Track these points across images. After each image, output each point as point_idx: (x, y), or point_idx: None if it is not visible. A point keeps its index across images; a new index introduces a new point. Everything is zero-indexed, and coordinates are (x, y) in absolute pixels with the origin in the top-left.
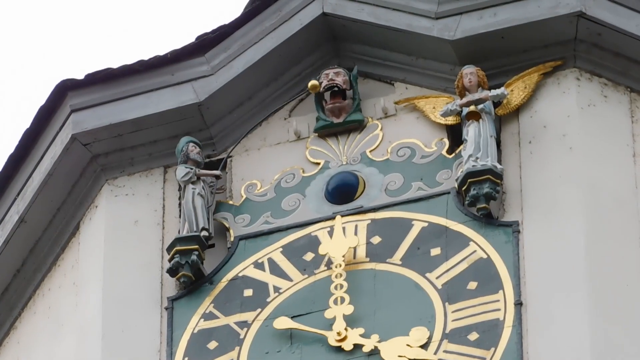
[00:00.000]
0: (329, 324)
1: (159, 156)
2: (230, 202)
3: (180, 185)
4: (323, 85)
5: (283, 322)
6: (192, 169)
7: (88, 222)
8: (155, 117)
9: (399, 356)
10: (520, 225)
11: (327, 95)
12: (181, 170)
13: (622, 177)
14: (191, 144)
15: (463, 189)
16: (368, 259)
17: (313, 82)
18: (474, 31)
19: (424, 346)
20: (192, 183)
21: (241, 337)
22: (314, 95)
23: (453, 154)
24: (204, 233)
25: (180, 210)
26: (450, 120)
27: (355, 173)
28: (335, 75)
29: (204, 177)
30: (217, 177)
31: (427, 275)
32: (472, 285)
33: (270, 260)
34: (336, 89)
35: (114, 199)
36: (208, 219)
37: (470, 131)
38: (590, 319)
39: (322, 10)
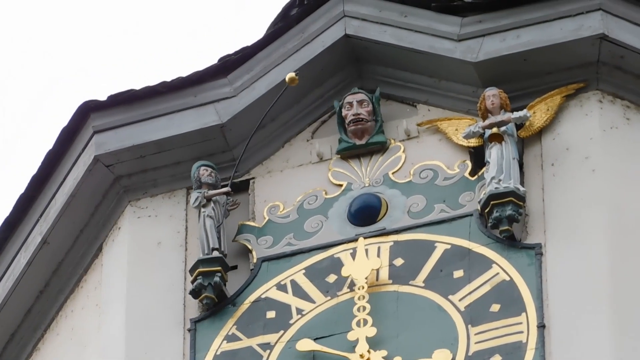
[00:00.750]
0: (352, 346)
1: (181, 177)
2: (253, 224)
3: None
4: (348, 119)
5: (306, 344)
6: (200, 193)
7: (111, 243)
8: (177, 138)
9: None
10: (543, 247)
11: (349, 116)
12: (193, 197)
13: None
14: (202, 168)
15: (486, 211)
16: (391, 281)
17: (290, 74)
18: (497, 53)
19: None
20: (203, 206)
21: (264, 359)
22: (337, 117)
23: (476, 176)
24: (216, 253)
25: None
26: (473, 142)
27: (377, 195)
28: (359, 106)
29: (216, 198)
30: (227, 194)
31: (450, 297)
32: (495, 307)
33: (293, 282)
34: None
35: (137, 221)
36: (219, 237)
37: (493, 153)
38: (613, 341)
39: (345, 32)
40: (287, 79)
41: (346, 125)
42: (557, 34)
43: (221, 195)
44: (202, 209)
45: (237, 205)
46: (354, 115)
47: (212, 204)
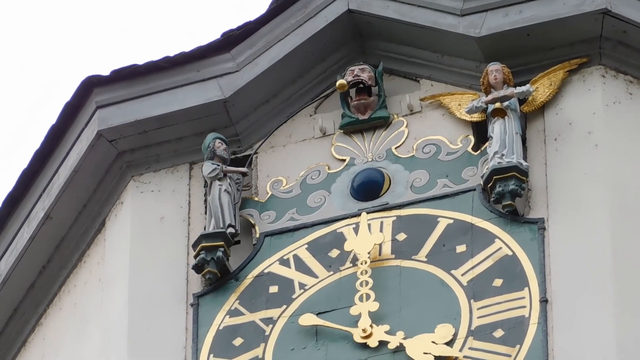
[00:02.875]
0: (355, 321)
1: (184, 153)
2: (256, 199)
3: (206, 182)
4: (348, 81)
5: (308, 319)
6: (218, 165)
7: (114, 218)
8: (180, 113)
9: (424, 353)
10: (546, 222)
11: (352, 92)
12: (208, 167)
13: None
14: (218, 141)
15: (489, 186)
16: (393, 256)
17: (341, 81)
18: (500, 28)
19: (449, 343)
20: (219, 180)
21: (266, 333)
22: (340, 92)
23: (478, 151)
24: (230, 230)
25: (205, 207)
26: (476, 117)
27: (380, 170)
28: (361, 72)
29: (230, 174)
30: (244, 174)
31: (453, 272)
32: (498, 282)
33: (296, 257)
34: (362, 85)
35: (140, 196)
36: (234, 215)
37: (496, 128)
38: (615, 316)
39: (348, 7)
40: (337, 85)
41: (349, 100)
42: (560, 8)
43: (237, 173)
44: (218, 183)
45: (250, 187)
46: (353, 77)
47: (228, 180)
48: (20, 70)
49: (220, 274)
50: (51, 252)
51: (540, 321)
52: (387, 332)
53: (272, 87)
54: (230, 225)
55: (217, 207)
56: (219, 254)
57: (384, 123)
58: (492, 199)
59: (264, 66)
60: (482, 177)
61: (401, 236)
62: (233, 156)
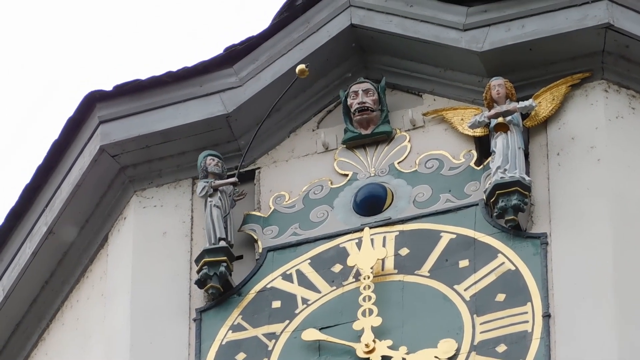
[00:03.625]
0: (357, 336)
1: (187, 168)
2: (259, 214)
3: None
4: (353, 107)
5: (311, 334)
6: (207, 182)
7: (116, 233)
8: (183, 128)
9: None
10: (549, 237)
11: (355, 106)
12: (199, 186)
13: None
14: (209, 157)
15: (491, 200)
16: (396, 271)
17: (300, 66)
18: (502, 43)
19: (452, 358)
20: (210, 196)
21: (269, 348)
22: (342, 106)
23: (481, 166)
24: (222, 243)
25: None
26: (479, 132)
27: (383, 184)
28: (365, 94)
29: (222, 188)
30: (234, 184)
31: (455, 287)
32: (500, 297)
33: (299, 272)
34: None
35: (142, 211)
36: (226, 227)
37: (499, 143)
38: (618, 331)
39: (350, 21)
40: (297, 71)
41: (352, 115)
42: (563, 23)
43: (228, 185)
44: (209, 199)
45: (244, 195)
46: (359, 103)
47: (218, 194)
48: (23, 85)
49: (222, 289)
50: (54, 267)
51: (543, 336)
52: (390, 347)
53: (275, 101)
54: (221, 239)
55: (209, 223)
56: (222, 269)
57: (387, 138)
58: (494, 214)
59: (266, 81)
60: (484, 191)
61: (404, 251)
62: (235, 171)
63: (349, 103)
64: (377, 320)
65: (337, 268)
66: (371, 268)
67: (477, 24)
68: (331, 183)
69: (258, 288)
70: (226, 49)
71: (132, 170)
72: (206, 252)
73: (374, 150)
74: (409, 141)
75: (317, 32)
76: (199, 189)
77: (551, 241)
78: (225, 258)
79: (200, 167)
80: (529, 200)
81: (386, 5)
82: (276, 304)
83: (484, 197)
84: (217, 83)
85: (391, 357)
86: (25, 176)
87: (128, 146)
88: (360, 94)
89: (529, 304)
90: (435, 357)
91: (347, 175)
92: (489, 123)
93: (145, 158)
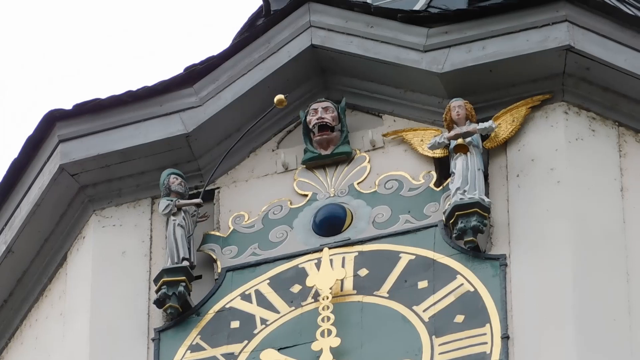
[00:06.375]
0: (316, 357)
1: (146, 187)
2: (218, 234)
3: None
4: (312, 123)
5: (270, 355)
6: (171, 201)
7: (75, 252)
8: (143, 148)
9: None
10: (508, 258)
11: (315, 127)
12: (162, 204)
13: (610, 211)
14: (172, 176)
15: (451, 222)
16: (355, 292)
17: (279, 96)
18: (463, 64)
19: None
20: (173, 215)
21: None
22: (302, 127)
23: (441, 187)
24: (185, 263)
25: (167, 242)
26: (438, 153)
27: (342, 205)
28: (324, 112)
29: (185, 208)
30: (198, 205)
31: (414, 308)
32: (459, 318)
33: (258, 292)
34: (326, 125)
35: (102, 230)
36: (189, 248)
37: (458, 164)
38: (577, 353)
39: (311, 42)
40: (275, 101)
41: (311, 135)
42: (523, 45)
43: (191, 205)
44: (172, 218)
45: (207, 217)
46: (318, 119)
47: (182, 213)
48: None
49: (181, 308)
50: (13, 286)
51: (502, 357)
52: None
53: (235, 122)
54: (184, 259)
55: (172, 242)
56: (181, 288)
57: (347, 158)
58: (454, 235)
59: (226, 100)
60: (444, 213)
61: (363, 272)
62: (195, 191)
63: (307, 120)
64: (336, 341)
65: (296, 288)
66: (330, 288)
67: (437, 45)
68: (291, 203)
69: (217, 308)
70: (186, 69)
71: (91, 190)
72: (165, 271)
73: (334, 170)
74: (368, 162)
75: (278, 52)
76: (162, 207)
77: (510, 262)
78: (184, 278)
79: (163, 185)
80: (488, 222)
81: (347, 25)
82: (235, 324)
83: (444, 218)
84: (177, 103)
85: None
86: None
87: (88, 165)
88: (320, 110)
89: (487, 325)
90: None
91: (306, 195)
92: (449, 144)
93: (104, 177)
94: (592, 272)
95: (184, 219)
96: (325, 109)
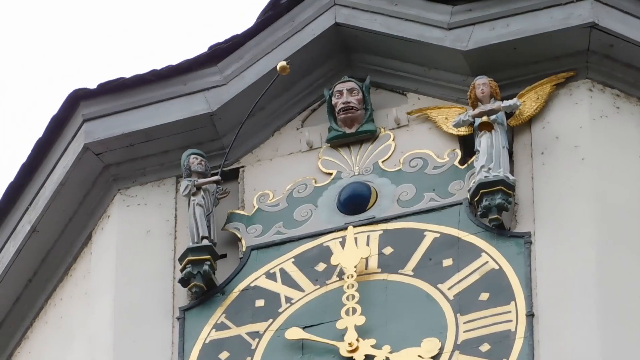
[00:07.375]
0: (341, 335)
1: (171, 166)
2: (242, 212)
3: None
4: (338, 107)
5: (295, 333)
6: (190, 181)
7: (100, 232)
8: (167, 127)
9: None
10: (532, 236)
11: (339, 105)
12: (183, 185)
13: (633, 189)
14: (192, 156)
15: (475, 199)
16: (380, 270)
17: (281, 63)
18: (487, 42)
19: (436, 357)
20: (193, 195)
21: (252, 347)
22: (327, 105)
23: (465, 165)
24: (205, 242)
25: None
26: (463, 131)
27: (367, 183)
28: (349, 94)
29: (206, 186)
30: (217, 182)
31: (439, 286)
32: (484, 296)
33: (282, 271)
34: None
35: (126, 209)
36: (209, 226)
37: (483, 142)
38: (601, 330)
39: (335, 20)
40: (278, 68)
41: (336, 114)
42: (547, 22)
43: (211, 183)
44: (192, 198)
45: (227, 193)
46: (343, 103)
47: (202, 193)
48: (6, 83)
49: (206, 287)
50: (37, 266)
51: (526, 335)
52: (373, 346)
53: (259, 100)
54: (204, 237)
55: (192, 222)
56: (206, 267)
57: (371, 137)
58: (478, 213)
59: (250, 79)
60: (468, 191)
61: (388, 250)
62: (219, 169)
63: (333, 102)
64: (360, 319)
65: (320, 267)
66: (355, 267)
67: (461, 23)
68: (315, 182)
69: (242, 287)
70: (210, 48)
71: (115, 169)
72: (190, 250)
73: (358, 149)
74: (393, 140)
75: (302, 31)
76: (182, 188)
77: (535, 240)
78: (209, 256)
79: (184, 166)
80: (512, 200)
81: (371, 4)
82: (260, 302)
83: (468, 196)
84: (201, 81)
85: (374, 356)
86: (9, 174)
87: (112, 144)
88: (345, 93)
89: (512, 303)
90: (419, 356)
91: (331, 174)
92: (473, 122)
93: (129, 156)
94: (616, 249)
95: (203, 197)
96: (350, 90)
